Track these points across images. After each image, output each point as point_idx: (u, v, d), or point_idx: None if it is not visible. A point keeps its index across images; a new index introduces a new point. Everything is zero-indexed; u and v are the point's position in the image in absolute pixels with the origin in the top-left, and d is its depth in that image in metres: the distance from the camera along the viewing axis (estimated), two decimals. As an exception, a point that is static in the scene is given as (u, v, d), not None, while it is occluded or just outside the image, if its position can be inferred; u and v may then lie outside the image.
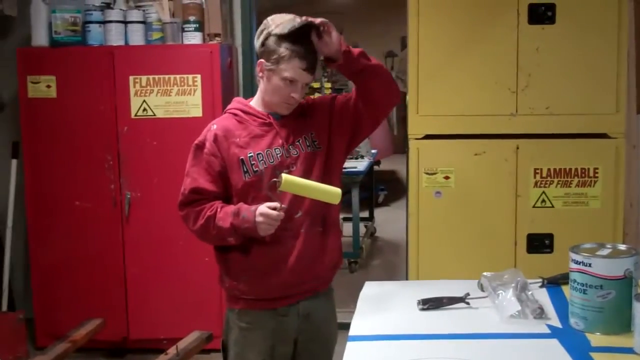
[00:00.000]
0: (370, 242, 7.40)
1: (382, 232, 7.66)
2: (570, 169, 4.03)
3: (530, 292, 2.31)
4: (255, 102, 2.68)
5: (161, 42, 4.64)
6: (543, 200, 4.04)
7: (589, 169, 4.03)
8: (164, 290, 4.72)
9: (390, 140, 9.96)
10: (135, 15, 4.62)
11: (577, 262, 2.09)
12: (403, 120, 3.90)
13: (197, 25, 4.63)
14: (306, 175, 2.54)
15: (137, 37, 4.61)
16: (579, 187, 4.04)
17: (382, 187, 9.08)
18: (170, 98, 4.54)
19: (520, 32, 3.98)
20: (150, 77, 4.55)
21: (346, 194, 7.36)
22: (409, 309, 2.35)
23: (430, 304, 2.34)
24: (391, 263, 6.50)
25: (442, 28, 4.01)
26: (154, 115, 4.58)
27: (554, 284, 2.48)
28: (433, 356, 1.95)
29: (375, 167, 6.89)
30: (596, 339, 2.03)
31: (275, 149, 2.58)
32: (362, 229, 7.12)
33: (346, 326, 2.28)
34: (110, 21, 4.59)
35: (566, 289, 2.22)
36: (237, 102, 2.73)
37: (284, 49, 2.49)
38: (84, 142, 4.65)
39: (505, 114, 3.99)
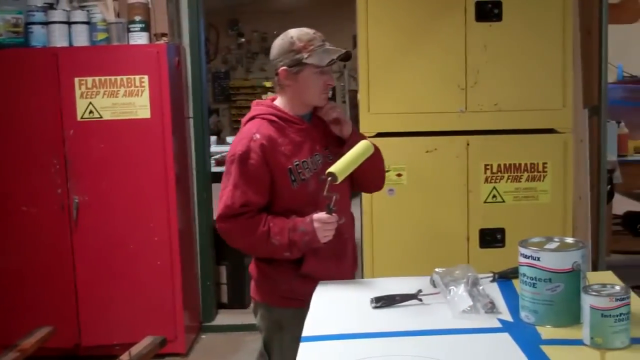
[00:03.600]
0: (325, 241, 7.37)
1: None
2: (520, 164, 4.07)
3: (481, 287, 2.31)
4: (284, 107, 2.66)
5: (106, 43, 4.57)
6: (494, 196, 4.08)
7: (538, 163, 4.08)
8: (116, 295, 4.64)
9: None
10: (79, 15, 4.53)
11: (526, 257, 2.10)
12: (355, 119, 3.90)
13: (143, 25, 4.56)
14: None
15: (81, 38, 4.53)
16: (528, 182, 4.10)
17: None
18: (117, 99, 4.47)
19: (468, 30, 4.01)
20: (96, 78, 4.47)
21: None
22: (362, 308, 2.33)
23: (383, 301, 2.33)
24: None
25: (392, 26, 4.02)
26: (101, 117, 4.49)
27: (504, 278, 2.49)
28: (386, 354, 1.94)
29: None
30: (546, 331, 2.04)
31: (315, 156, 2.63)
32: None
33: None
34: (54, 22, 4.50)
35: (517, 283, 2.23)
36: (267, 106, 2.68)
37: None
38: (30, 146, 4.54)
39: (455, 111, 4.02)
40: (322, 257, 2.64)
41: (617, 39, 11.27)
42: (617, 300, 1.89)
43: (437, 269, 2.43)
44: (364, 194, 3.97)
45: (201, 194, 5.11)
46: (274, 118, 2.62)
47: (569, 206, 4.17)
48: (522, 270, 2.12)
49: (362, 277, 4.03)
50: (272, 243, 2.53)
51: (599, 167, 4.77)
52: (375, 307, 2.31)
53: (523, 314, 2.13)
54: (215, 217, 2.80)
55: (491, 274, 2.53)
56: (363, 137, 2.74)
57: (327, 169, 2.50)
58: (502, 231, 4.06)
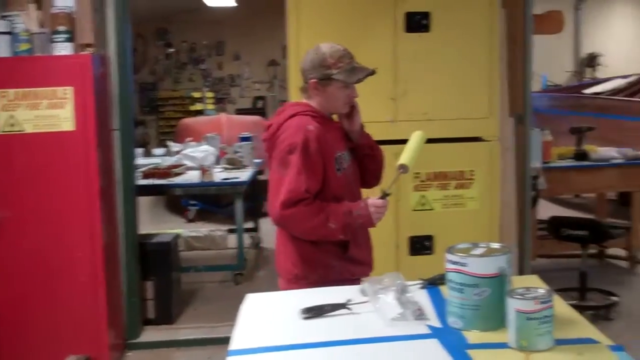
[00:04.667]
0: (257, 252, 7.34)
1: (268, 242, 7.57)
2: (448, 172, 4.13)
3: (410, 294, 2.33)
4: (316, 107, 2.88)
5: (29, 54, 4.44)
6: (423, 203, 4.12)
7: (465, 171, 4.14)
8: (38, 314, 4.45)
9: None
10: (0, 25, 4.40)
11: (453, 263, 2.12)
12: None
13: (68, 35, 4.45)
14: (355, 174, 2.96)
15: (2, 48, 4.38)
16: (457, 190, 4.16)
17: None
18: (39, 112, 4.33)
19: (398, 40, 4.05)
20: (19, 90, 4.32)
21: (229, 205, 7.30)
22: (292, 319, 2.31)
23: (313, 312, 2.31)
24: (276, 273, 6.45)
25: (322, 36, 3.99)
26: (23, 130, 4.35)
27: (433, 285, 2.51)
28: (315, 364, 1.93)
29: (260, 177, 6.85)
30: (473, 336, 2.07)
31: (346, 151, 2.91)
32: (247, 240, 7.06)
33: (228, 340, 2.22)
34: (-26, 32, 4.35)
35: (445, 289, 2.25)
36: (304, 105, 2.89)
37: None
38: (-53, 161, 4.36)
39: (385, 121, 4.04)
40: (357, 243, 2.90)
41: (542, 49, 11.61)
42: (541, 303, 1.93)
43: (365, 278, 2.44)
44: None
45: (127, 208, 4.98)
46: (315, 115, 2.84)
47: (495, 212, 4.24)
48: (450, 276, 2.14)
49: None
50: (330, 227, 2.74)
51: (524, 174, 4.87)
52: (305, 318, 2.30)
53: (451, 320, 2.15)
54: (274, 205, 2.83)
55: (420, 281, 2.54)
56: (369, 135, 3.04)
57: (352, 162, 2.92)
58: (430, 238, 4.11)
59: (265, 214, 8.66)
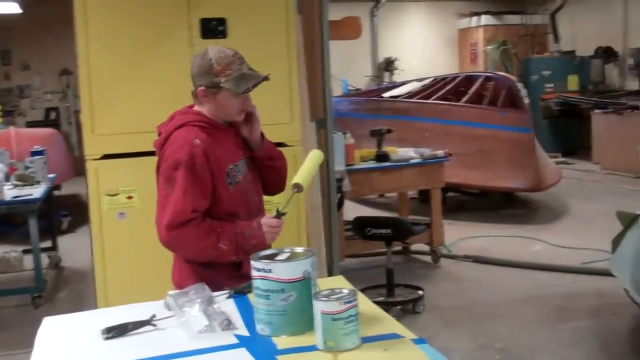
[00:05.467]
0: (56, 273, 6.96)
1: (69, 260, 7.23)
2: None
3: (217, 305, 2.28)
4: (208, 114, 2.72)
5: None
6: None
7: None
8: None
9: (71, 163, 9.52)
10: None
11: (258, 270, 2.10)
12: (80, 140, 3.71)
13: None
14: (254, 184, 2.84)
15: None
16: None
17: (65, 213, 8.64)
18: None
19: (194, 47, 3.99)
20: None
21: (23, 224, 6.86)
22: (93, 341, 2.19)
23: (115, 331, 2.21)
24: (80, 293, 6.14)
25: (114, 45, 3.89)
26: None
27: (240, 293, 2.48)
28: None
29: (56, 192, 6.49)
30: (282, 341, 2.06)
31: (241, 160, 2.77)
32: (45, 260, 6.67)
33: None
34: None
35: (252, 298, 2.22)
36: (194, 114, 2.73)
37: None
38: None
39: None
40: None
41: (342, 55, 12.01)
42: (345, 303, 1.95)
43: (170, 292, 2.36)
44: (92, 220, 3.78)
45: None
46: (204, 125, 2.69)
47: (302, 216, 4.28)
48: (256, 283, 2.12)
49: (97, 307, 3.83)
50: (221, 248, 2.61)
51: (329, 177, 4.96)
52: (107, 338, 2.19)
53: (259, 327, 2.13)
54: (159, 226, 2.64)
55: (226, 291, 2.50)
56: (270, 143, 2.94)
57: (249, 171, 2.80)
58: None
59: (63, 232, 8.31)
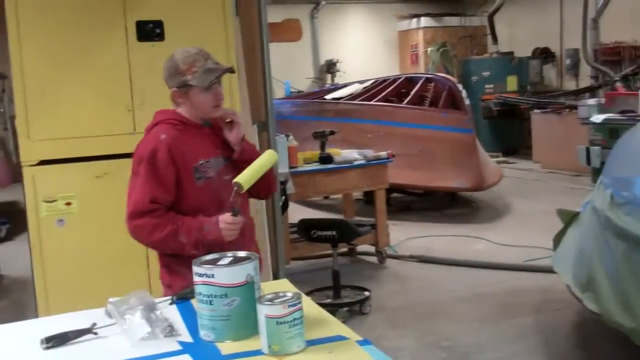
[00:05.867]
0: (-5, 282, 6.80)
1: (8, 269, 7.05)
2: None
3: (159, 312, 2.24)
4: (186, 115, 2.81)
5: None
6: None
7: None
8: None
9: (9, 169, 9.31)
10: None
11: (200, 275, 2.08)
12: (16, 146, 3.63)
13: None
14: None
15: None
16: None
17: (4, 220, 8.47)
18: None
19: (131, 50, 3.94)
20: None
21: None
22: (32, 351, 2.13)
23: (55, 340, 2.16)
24: (20, 303, 6.00)
25: (49, 48, 3.82)
26: None
27: (183, 299, 2.44)
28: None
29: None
30: (226, 347, 2.03)
31: (217, 157, 2.82)
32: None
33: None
34: None
35: (196, 303, 2.19)
36: (167, 113, 2.82)
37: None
38: None
39: (125, 133, 3.90)
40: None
41: (284, 57, 12.00)
42: (289, 306, 1.94)
43: (111, 299, 2.32)
44: (30, 227, 3.70)
45: None
46: (176, 122, 2.79)
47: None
48: (199, 289, 2.10)
49: (38, 316, 3.74)
50: (180, 241, 2.68)
51: (272, 180, 4.93)
52: (47, 348, 2.14)
53: (203, 333, 2.11)
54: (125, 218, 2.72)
55: (169, 297, 2.46)
56: (252, 146, 3.02)
57: (227, 169, 2.82)
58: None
59: (1, 240, 8.11)
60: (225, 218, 2.69)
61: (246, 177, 2.66)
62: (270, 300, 1.97)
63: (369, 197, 8.07)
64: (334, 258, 5.48)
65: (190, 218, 2.72)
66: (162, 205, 2.71)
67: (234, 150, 2.90)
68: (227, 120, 2.87)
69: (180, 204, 2.75)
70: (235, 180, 2.63)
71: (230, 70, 2.87)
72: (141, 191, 2.69)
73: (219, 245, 2.66)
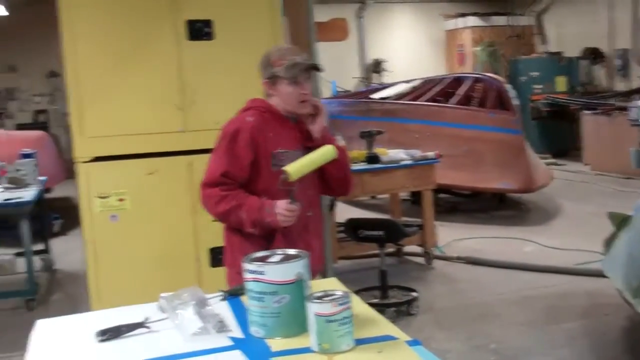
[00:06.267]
0: (49, 275, 6.93)
1: (61, 263, 7.20)
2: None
3: (210, 307, 2.27)
4: (274, 105, 2.95)
5: None
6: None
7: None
8: None
9: (62, 166, 9.48)
10: None
11: (251, 272, 2.09)
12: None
13: None
14: (309, 176, 2.89)
15: None
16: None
17: (57, 216, 8.60)
18: None
19: (181, 49, 3.98)
20: None
21: (14, 228, 6.83)
22: (88, 343, 2.18)
23: (109, 334, 2.20)
24: (73, 296, 6.13)
25: (102, 47, 3.88)
26: None
27: (234, 295, 2.47)
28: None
29: (47, 195, 6.46)
30: (276, 343, 2.04)
31: (297, 150, 2.90)
32: (38, 263, 6.64)
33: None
34: None
35: (246, 300, 2.21)
36: (258, 101, 2.98)
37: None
38: None
39: (174, 131, 3.95)
40: (290, 240, 2.87)
41: (331, 56, 12.02)
42: (339, 305, 1.94)
43: (163, 294, 2.35)
44: (84, 223, 3.77)
45: None
46: (264, 110, 2.94)
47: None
48: (249, 286, 2.11)
49: (90, 310, 3.82)
50: (241, 217, 2.83)
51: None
52: (102, 341, 2.18)
53: (253, 329, 2.12)
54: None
55: (220, 293, 2.49)
56: (332, 138, 3.07)
57: None
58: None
59: (55, 234, 8.27)
60: (281, 204, 2.80)
61: (297, 167, 2.75)
62: (320, 298, 1.97)
63: (415, 198, 8.03)
64: (381, 258, 5.47)
65: (256, 198, 2.86)
66: (232, 180, 2.86)
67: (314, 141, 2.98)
68: (310, 110, 2.97)
69: (253, 185, 2.90)
70: (284, 168, 2.73)
71: (315, 67, 2.98)
72: (216, 164, 2.87)
73: (281, 231, 2.85)
